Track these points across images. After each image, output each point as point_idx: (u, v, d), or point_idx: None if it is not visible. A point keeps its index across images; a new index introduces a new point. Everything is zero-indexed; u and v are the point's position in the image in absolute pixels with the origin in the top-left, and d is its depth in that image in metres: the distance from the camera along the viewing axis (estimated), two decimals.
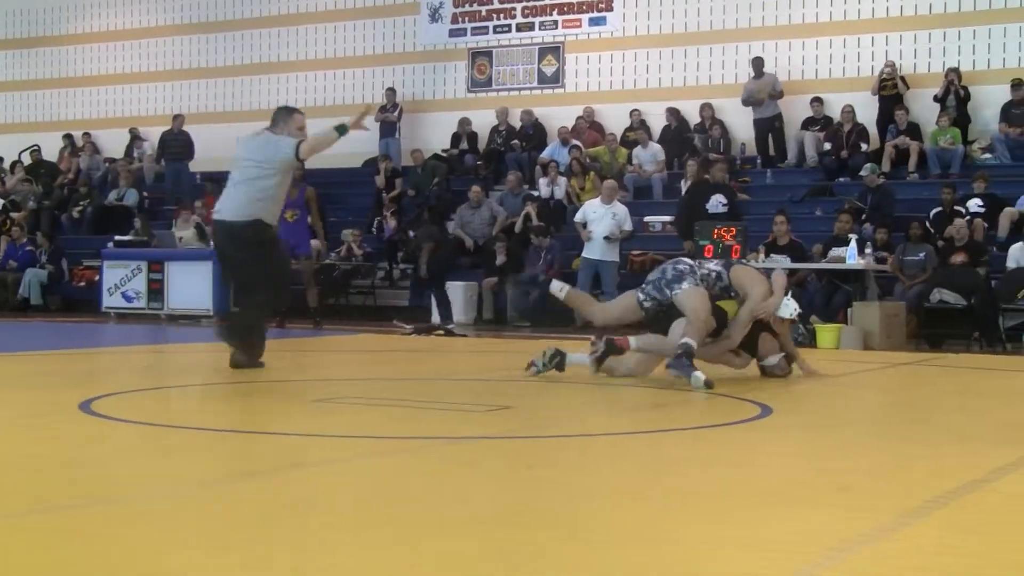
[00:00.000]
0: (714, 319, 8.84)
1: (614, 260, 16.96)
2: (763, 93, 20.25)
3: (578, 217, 17.32)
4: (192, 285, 18.69)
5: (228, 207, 9.71)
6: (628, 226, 17.14)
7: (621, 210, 17.08)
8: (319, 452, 5.70)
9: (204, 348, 13.49)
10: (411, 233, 16.63)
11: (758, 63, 20.44)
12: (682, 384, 8.41)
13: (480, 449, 5.81)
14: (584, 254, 16.97)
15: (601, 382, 8.92)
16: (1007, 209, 16.54)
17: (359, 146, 23.21)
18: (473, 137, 22.59)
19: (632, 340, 8.94)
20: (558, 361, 9.17)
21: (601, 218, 16.84)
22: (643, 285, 9.20)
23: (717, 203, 16.64)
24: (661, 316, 8.97)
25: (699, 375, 8.31)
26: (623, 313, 9.35)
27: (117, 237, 20.86)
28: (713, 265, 9.26)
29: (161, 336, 15.64)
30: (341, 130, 9.60)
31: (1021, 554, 3.70)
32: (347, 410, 7.37)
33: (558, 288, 9.36)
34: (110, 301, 19.44)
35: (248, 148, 9.80)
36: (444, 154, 22.41)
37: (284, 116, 10.06)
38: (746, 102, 20.47)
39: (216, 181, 22.27)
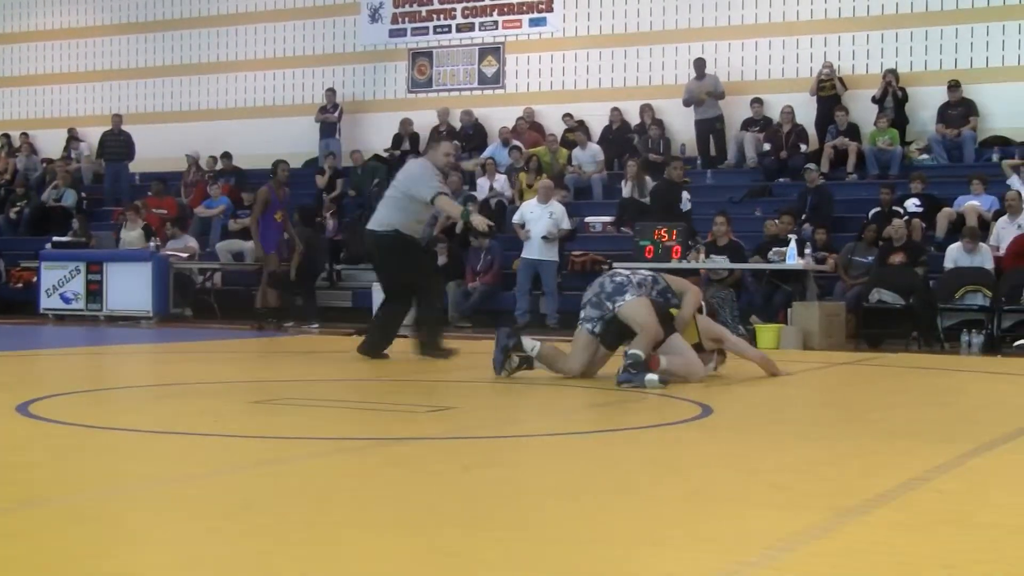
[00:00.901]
0: (662, 328, 8.82)
1: (553, 260, 17.06)
2: (704, 94, 20.33)
3: (516, 218, 17.43)
4: (131, 286, 18.52)
5: (374, 218, 11.15)
6: (566, 224, 17.23)
7: (558, 209, 17.17)
8: (257, 454, 5.65)
9: (143, 349, 13.39)
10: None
11: (700, 64, 20.51)
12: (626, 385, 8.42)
13: (419, 450, 5.79)
14: (523, 254, 17.09)
15: (542, 383, 8.90)
16: (945, 209, 16.68)
17: (299, 146, 23.19)
18: (414, 138, 22.52)
19: (662, 360, 8.73)
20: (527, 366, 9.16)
21: (539, 218, 16.98)
22: (581, 312, 9.13)
23: (687, 200, 16.81)
24: (612, 329, 8.94)
25: (652, 376, 8.33)
26: (589, 354, 9.15)
27: (55, 238, 20.68)
28: (645, 272, 9.27)
29: (100, 338, 15.49)
30: (464, 215, 11.13)
31: (956, 552, 3.71)
32: (286, 411, 7.33)
33: (530, 347, 9.25)
34: (48, 303, 19.25)
35: (402, 168, 11.37)
36: (385, 155, 22.33)
37: (433, 144, 11.47)
38: (687, 103, 20.54)
39: (162, 181, 22.18)
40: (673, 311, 9.01)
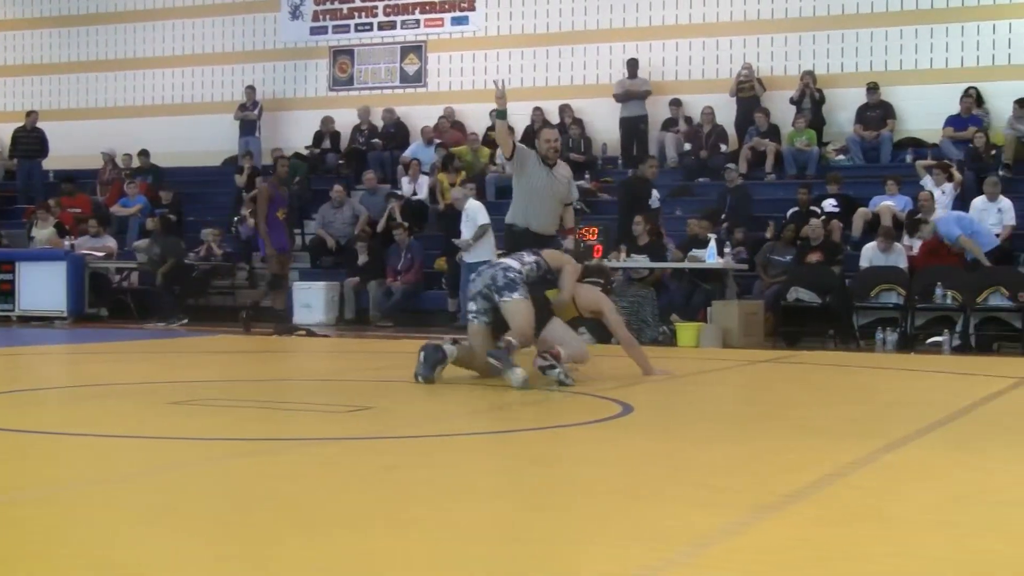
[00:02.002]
0: (537, 316, 8.92)
1: (482, 260, 16.98)
2: (637, 92, 20.42)
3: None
4: (45, 286, 18.28)
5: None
6: (482, 220, 17.07)
7: (472, 207, 17.08)
8: (177, 455, 5.61)
9: (58, 350, 13.23)
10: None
11: (632, 64, 20.55)
12: (544, 384, 8.45)
13: (339, 450, 5.78)
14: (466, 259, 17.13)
15: (462, 382, 8.90)
16: (861, 209, 16.88)
17: (218, 144, 23.01)
18: (335, 136, 22.43)
19: (563, 351, 8.85)
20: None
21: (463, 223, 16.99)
22: (472, 304, 9.13)
23: (656, 198, 16.85)
24: (498, 318, 8.98)
25: (519, 372, 8.41)
26: (487, 342, 9.14)
27: None
28: (529, 257, 9.26)
29: (12, 338, 15.27)
30: (501, 115, 10.71)
31: (871, 546, 3.77)
32: (205, 412, 7.27)
33: (449, 352, 9.19)
34: None
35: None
36: (306, 153, 22.21)
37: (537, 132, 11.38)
38: (619, 98, 20.53)
39: (71, 180, 21.88)
40: (551, 293, 9.08)
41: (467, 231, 16.75)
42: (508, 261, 9.21)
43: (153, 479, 4.90)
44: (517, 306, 8.81)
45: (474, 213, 16.99)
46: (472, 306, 9.12)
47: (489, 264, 9.51)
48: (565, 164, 11.29)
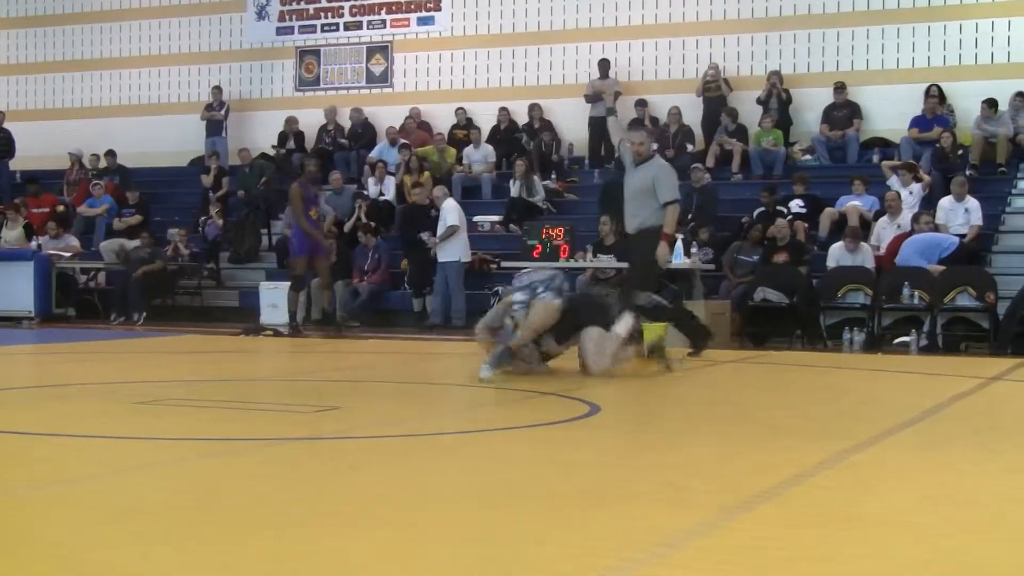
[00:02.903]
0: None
1: (453, 260, 17.02)
2: (607, 93, 20.42)
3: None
4: (12, 286, 18.15)
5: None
6: (452, 220, 17.09)
7: (447, 205, 17.15)
8: (143, 455, 5.58)
9: (24, 350, 13.15)
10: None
11: (604, 64, 20.56)
12: (511, 383, 8.45)
13: (305, 450, 5.75)
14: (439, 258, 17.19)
15: (429, 383, 8.89)
16: (827, 210, 16.92)
17: (185, 145, 22.91)
18: (301, 136, 22.35)
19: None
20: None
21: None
22: (519, 293, 9.32)
23: None
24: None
25: (485, 368, 8.78)
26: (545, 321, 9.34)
27: None
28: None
29: None
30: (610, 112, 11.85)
31: (838, 546, 3.77)
32: (171, 412, 7.24)
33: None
34: None
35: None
36: (272, 153, 22.14)
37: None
38: (589, 98, 20.54)
39: (35, 181, 21.73)
40: None
41: (440, 229, 16.82)
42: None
43: (120, 479, 4.86)
44: (541, 304, 9.06)
45: (445, 213, 17.02)
46: (519, 296, 9.30)
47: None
48: (660, 161, 11.60)
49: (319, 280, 15.95)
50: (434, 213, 17.33)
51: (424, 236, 17.04)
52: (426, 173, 19.75)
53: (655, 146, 15.93)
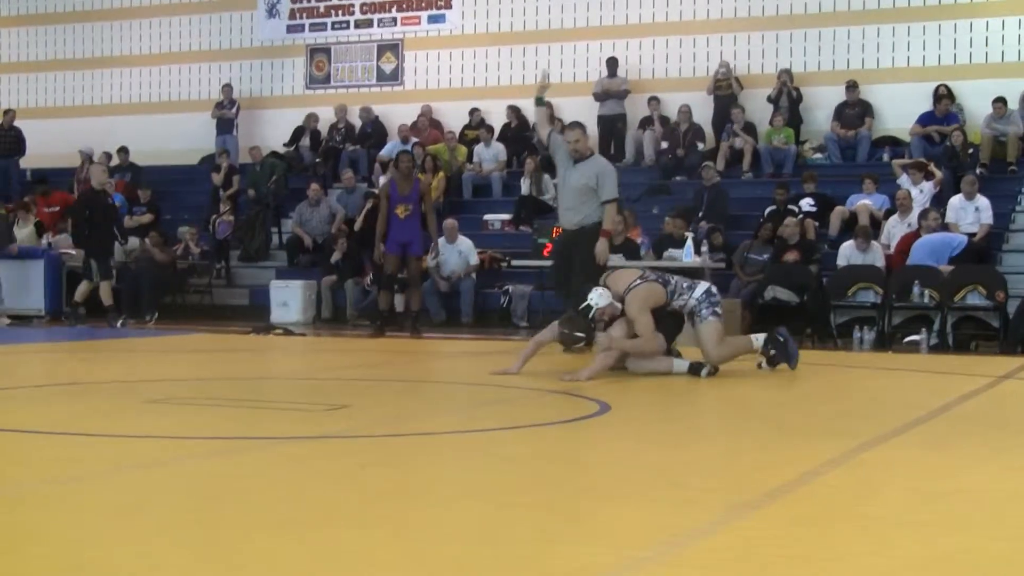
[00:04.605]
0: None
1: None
2: (615, 91, 20.44)
3: (430, 260, 16.74)
4: (23, 285, 18.19)
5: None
6: (474, 260, 17.27)
7: (466, 246, 17.29)
8: (149, 454, 5.58)
9: (34, 349, 13.18)
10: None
11: (612, 63, 20.57)
12: (519, 383, 8.45)
13: (314, 449, 5.76)
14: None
15: (436, 382, 8.89)
16: (838, 208, 16.91)
17: (195, 143, 22.94)
18: (313, 134, 22.36)
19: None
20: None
21: (449, 256, 17.06)
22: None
23: None
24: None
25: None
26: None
27: None
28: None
29: None
30: (539, 102, 11.35)
31: (847, 545, 3.77)
32: (180, 411, 7.25)
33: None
34: None
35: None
36: (283, 151, 22.15)
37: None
38: (598, 97, 20.55)
39: (44, 180, 21.74)
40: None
41: (455, 265, 16.98)
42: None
43: (124, 477, 4.87)
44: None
45: (468, 249, 17.26)
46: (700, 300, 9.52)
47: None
48: (601, 159, 11.69)
49: (408, 277, 15.20)
50: (460, 252, 17.39)
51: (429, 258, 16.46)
52: (440, 173, 19.74)
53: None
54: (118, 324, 16.43)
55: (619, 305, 9.17)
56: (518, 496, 4.53)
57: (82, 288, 16.87)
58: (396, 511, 4.22)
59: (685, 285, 9.44)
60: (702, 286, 9.54)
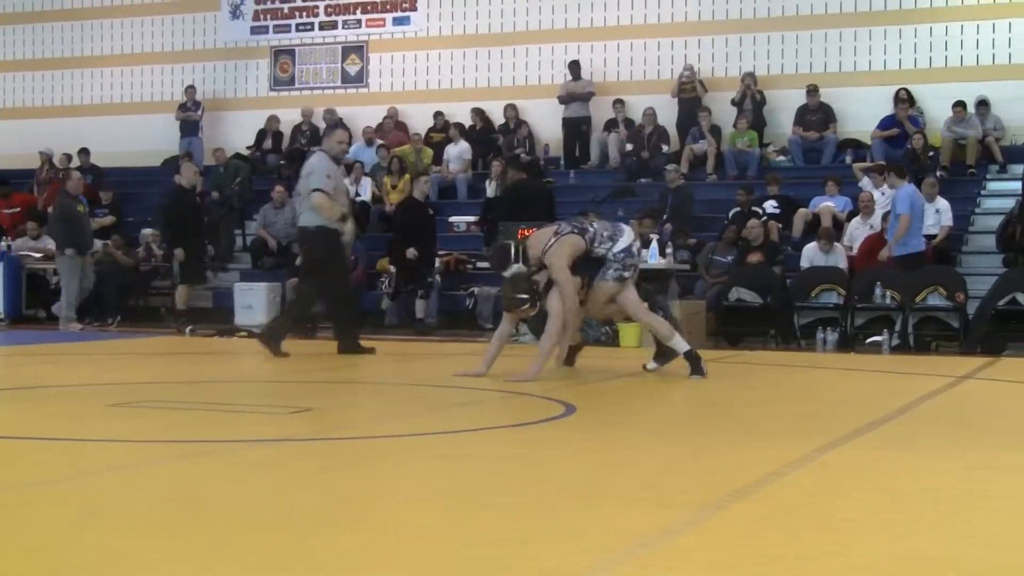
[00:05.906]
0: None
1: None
2: (580, 94, 20.46)
3: None
4: None
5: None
6: None
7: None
8: (117, 458, 5.56)
9: None
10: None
11: (575, 66, 20.60)
12: (484, 384, 8.45)
13: (279, 452, 5.75)
14: None
15: (404, 384, 8.89)
16: (801, 210, 17.00)
17: (158, 144, 22.82)
18: (277, 136, 22.30)
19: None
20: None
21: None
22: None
23: None
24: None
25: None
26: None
27: None
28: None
29: None
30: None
31: (812, 545, 3.80)
32: (145, 414, 7.22)
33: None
34: None
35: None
36: (247, 153, 22.07)
37: (328, 132, 12.08)
38: (563, 100, 20.57)
39: (4, 182, 21.57)
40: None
41: None
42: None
43: (90, 481, 4.85)
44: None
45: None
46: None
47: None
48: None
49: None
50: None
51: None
52: (407, 175, 19.64)
53: None
54: (187, 332, 15.68)
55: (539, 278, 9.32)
56: (488, 497, 4.54)
57: (181, 293, 16.53)
58: (364, 513, 4.23)
59: (606, 234, 9.45)
60: (623, 241, 9.51)
